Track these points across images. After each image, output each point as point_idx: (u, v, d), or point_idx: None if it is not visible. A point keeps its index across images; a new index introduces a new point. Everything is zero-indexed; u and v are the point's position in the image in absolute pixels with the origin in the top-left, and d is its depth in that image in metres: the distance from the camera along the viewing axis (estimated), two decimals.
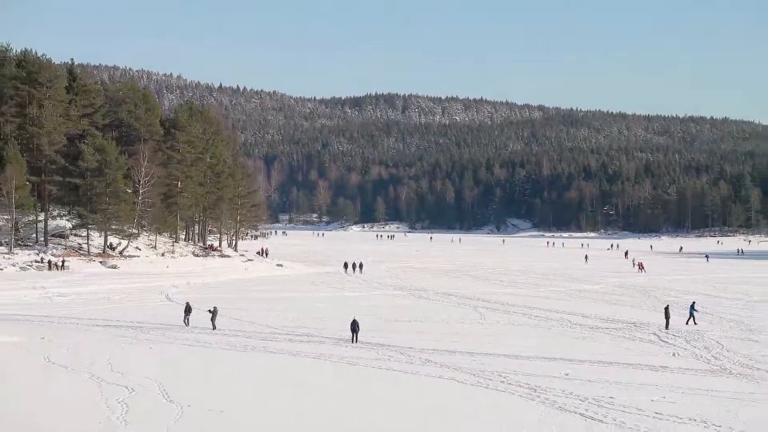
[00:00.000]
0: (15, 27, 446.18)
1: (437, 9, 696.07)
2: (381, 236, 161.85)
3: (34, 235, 64.34)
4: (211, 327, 32.35)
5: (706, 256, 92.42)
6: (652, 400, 20.61)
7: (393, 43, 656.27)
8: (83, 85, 72.33)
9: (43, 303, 40.53)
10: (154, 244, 71.35)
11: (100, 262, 61.42)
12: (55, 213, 68.18)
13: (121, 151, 66.71)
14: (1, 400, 19.73)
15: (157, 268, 62.18)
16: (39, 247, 62.20)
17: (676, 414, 19.22)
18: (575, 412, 19.24)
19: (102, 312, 37.15)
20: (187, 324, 33.19)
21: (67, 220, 68.94)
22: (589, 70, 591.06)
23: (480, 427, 18.07)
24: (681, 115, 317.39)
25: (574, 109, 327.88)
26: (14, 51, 68.26)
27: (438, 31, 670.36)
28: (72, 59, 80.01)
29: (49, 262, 57.91)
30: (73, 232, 68.16)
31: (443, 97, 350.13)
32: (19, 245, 61.47)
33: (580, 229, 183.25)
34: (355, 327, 29.81)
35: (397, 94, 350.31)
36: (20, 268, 56.06)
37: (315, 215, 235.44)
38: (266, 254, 79.80)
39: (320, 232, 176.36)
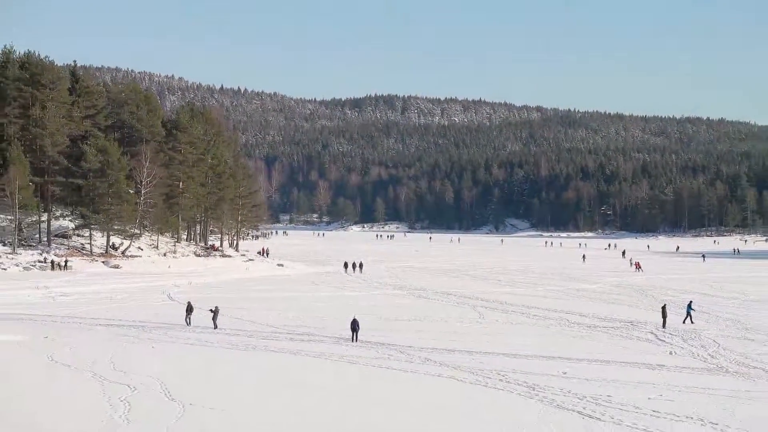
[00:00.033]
0: (15, 27, 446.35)
1: (437, 9, 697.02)
2: (381, 236, 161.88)
3: (37, 236, 64.52)
4: (213, 326, 32.56)
5: (703, 256, 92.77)
6: (649, 398, 20.77)
7: (393, 43, 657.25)
8: (86, 87, 72.56)
9: (46, 302, 40.73)
10: (156, 244, 71.59)
11: (103, 262, 61.67)
12: (58, 213, 68.49)
13: (123, 152, 66.97)
14: (4, 399, 19.93)
15: (159, 268, 62.42)
16: (42, 248, 62.44)
17: (673, 412, 19.39)
18: (573, 410, 19.42)
19: (104, 311, 37.35)
20: (188, 323, 33.40)
21: (70, 220, 69.27)
22: (588, 71, 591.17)
23: (479, 426, 18.24)
24: (678, 116, 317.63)
25: (572, 110, 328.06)
26: (17, 53, 68.39)
27: (438, 31, 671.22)
28: (75, 61, 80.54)
29: (52, 262, 58.16)
30: (76, 232, 68.47)
31: (442, 98, 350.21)
32: (23, 245, 61.70)
33: (577, 229, 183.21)
34: (355, 326, 30.02)
35: (396, 95, 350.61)
36: (23, 268, 56.31)
37: (315, 215, 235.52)
38: (267, 254, 79.94)
39: (320, 232, 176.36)
